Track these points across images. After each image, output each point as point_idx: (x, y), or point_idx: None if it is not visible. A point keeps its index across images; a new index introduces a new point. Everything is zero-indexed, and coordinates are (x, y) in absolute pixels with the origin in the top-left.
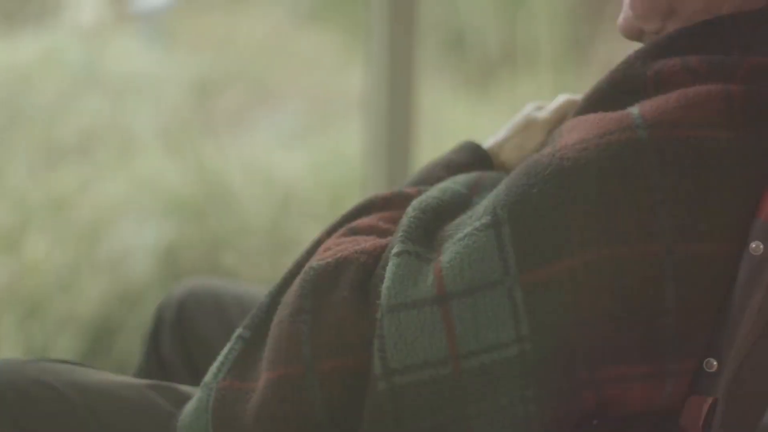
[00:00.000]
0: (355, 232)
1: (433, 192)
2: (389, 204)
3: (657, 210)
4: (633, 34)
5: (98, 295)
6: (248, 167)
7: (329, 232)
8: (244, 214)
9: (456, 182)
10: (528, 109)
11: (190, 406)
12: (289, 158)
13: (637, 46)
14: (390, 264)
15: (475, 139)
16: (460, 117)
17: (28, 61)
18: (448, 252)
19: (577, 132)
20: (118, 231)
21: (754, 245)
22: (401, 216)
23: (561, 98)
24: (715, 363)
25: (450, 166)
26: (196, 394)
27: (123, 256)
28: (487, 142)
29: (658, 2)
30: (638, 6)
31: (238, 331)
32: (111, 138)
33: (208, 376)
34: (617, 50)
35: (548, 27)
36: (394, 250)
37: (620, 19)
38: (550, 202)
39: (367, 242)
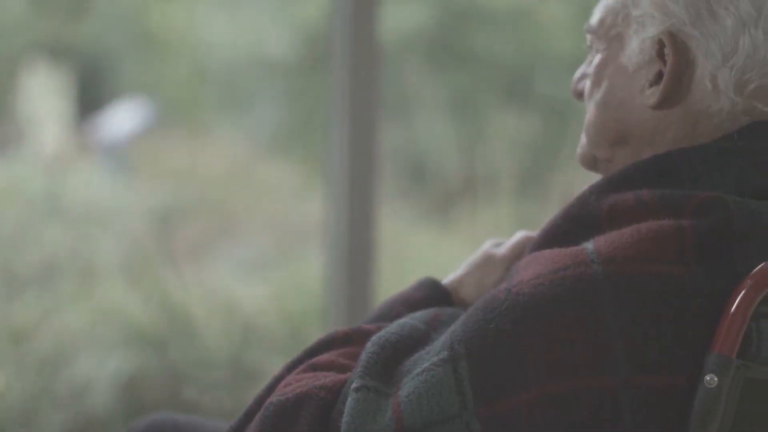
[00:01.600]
0: (315, 368)
1: (392, 328)
2: (349, 340)
3: (612, 344)
4: (588, 162)
5: (59, 428)
6: (209, 298)
7: (289, 368)
8: (205, 345)
9: (414, 318)
10: (486, 246)
11: None
12: (250, 289)
13: (594, 175)
14: (349, 399)
15: (434, 275)
16: (421, 247)
17: None
18: (407, 387)
19: (532, 267)
20: (78, 362)
21: (708, 378)
22: (361, 352)
23: (518, 235)
24: None
25: (409, 302)
26: None
27: (84, 389)
28: (447, 278)
29: (607, 130)
30: (591, 133)
31: None
32: (72, 268)
33: None
34: (576, 180)
35: (508, 157)
36: (354, 385)
37: (577, 148)
38: (507, 337)
39: (327, 378)
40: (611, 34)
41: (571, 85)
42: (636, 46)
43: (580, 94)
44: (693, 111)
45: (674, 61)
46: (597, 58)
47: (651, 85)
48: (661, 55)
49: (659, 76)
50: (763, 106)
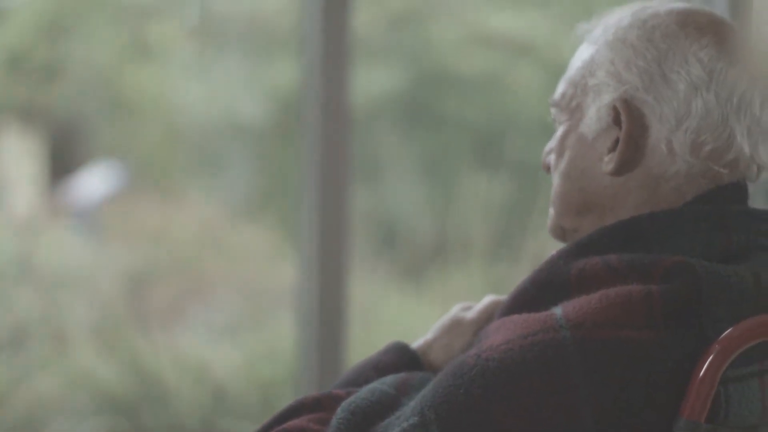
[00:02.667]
0: None
1: (362, 393)
2: (319, 405)
3: (581, 409)
4: (557, 233)
5: None
6: (181, 363)
7: None
8: (177, 411)
9: (384, 383)
10: (455, 310)
11: None
12: (222, 354)
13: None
14: None
15: (406, 339)
16: (393, 310)
17: None
18: None
19: (502, 333)
20: (51, 429)
21: None
22: (331, 417)
23: (487, 299)
24: None
25: (379, 367)
26: None
27: None
28: (416, 342)
29: (571, 200)
30: (557, 204)
31: None
32: (43, 333)
33: None
34: (547, 244)
35: (479, 221)
36: None
37: (548, 221)
38: (476, 402)
39: None
40: (572, 106)
41: (542, 156)
42: (593, 114)
43: (549, 168)
44: (651, 175)
45: (629, 126)
46: (560, 130)
47: (609, 152)
48: (617, 122)
49: (617, 142)
50: (719, 168)
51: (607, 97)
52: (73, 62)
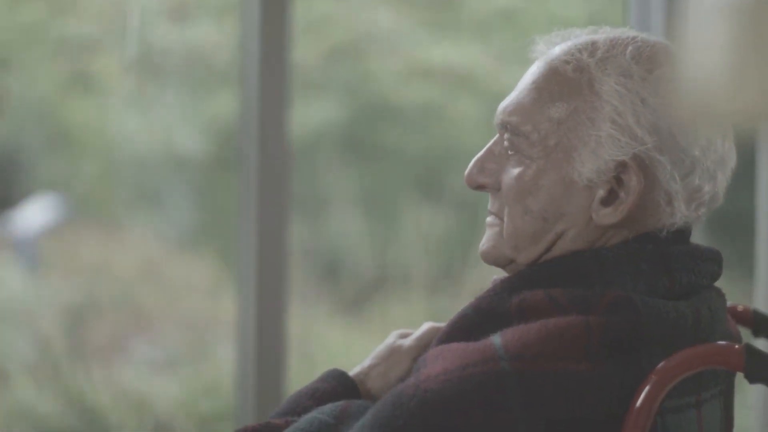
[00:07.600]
0: None
1: (301, 423)
2: None
3: None
4: (501, 263)
5: None
6: (122, 398)
7: None
8: None
9: (323, 412)
10: (392, 337)
11: None
12: (162, 388)
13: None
14: None
15: (341, 367)
16: (333, 344)
17: None
18: None
19: (440, 362)
20: None
21: None
22: None
23: (425, 326)
24: None
25: (316, 395)
26: None
27: None
28: (353, 369)
29: (542, 240)
30: (518, 238)
31: None
32: None
33: None
34: (488, 277)
35: (420, 253)
36: None
37: (486, 247)
38: None
39: None
40: (550, 144)
41: (470, 173)
42: (592, 164)
43: (480, 187)
44: (644, 226)
45: (639, 186)
46: (532, 167)
47: (605, 203)
48: (621, 173)
49: (611, 193)
50: (700, 212)
51: (616, 152)
52: (13, 95)
